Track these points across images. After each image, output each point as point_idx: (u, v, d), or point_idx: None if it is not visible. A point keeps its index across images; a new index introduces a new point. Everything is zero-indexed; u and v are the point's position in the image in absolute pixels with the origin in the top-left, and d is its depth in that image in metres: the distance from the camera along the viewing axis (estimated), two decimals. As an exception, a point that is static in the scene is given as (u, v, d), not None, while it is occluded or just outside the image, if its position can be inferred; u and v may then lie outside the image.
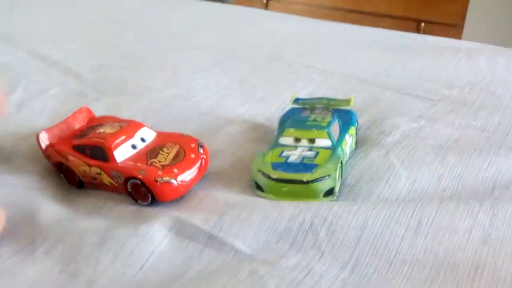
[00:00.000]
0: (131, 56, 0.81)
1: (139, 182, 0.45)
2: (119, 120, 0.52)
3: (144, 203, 0.46)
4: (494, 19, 2.06)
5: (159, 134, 0.50)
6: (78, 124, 0.53)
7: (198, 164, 0.47)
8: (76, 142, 0.49)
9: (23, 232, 0.42)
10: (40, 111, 0.63)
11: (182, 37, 0.91)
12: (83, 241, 0.40)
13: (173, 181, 0.45)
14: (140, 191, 0.45)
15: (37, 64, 0.78)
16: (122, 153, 0.47)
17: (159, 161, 0.46)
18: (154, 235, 0.40)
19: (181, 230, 0.41)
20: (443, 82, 0.70)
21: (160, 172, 0.45)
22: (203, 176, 0.48)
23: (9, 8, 1.08)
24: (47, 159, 0.51)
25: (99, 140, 0.48)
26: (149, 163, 0.46)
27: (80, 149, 0.48)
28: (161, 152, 0.47)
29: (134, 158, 0.47)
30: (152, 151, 0.48)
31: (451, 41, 0.91)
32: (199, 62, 0.79)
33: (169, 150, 0.48)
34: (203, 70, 0.75)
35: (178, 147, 0.48)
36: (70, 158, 0.49)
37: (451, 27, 2.09)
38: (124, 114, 0.61)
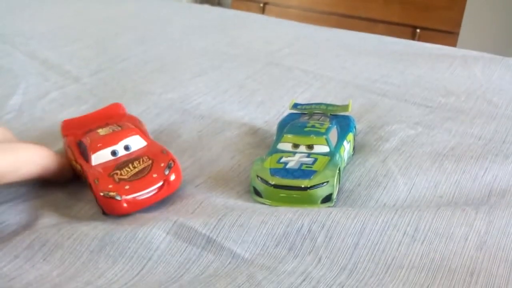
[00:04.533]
0: (129, 60, 0.82)
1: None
2: (123, 124, 0.52)
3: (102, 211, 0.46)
4: (489, 27, 2.08)
5: (149, 145, 0.50)
6: (104, 119, 0.54)
7: (156, 186, 0.45)
8: (80, 137, 0.50)
9: (21, 238, 0.42)
10: (40, 118, 0.63)
11: (181, 41, 0.91)
12: (82, 246, 0.40)
13: (118, 197, 0.43)
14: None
15: (36, 66, 0.78)
16: (100, 157, 0.47)
17: (121, 174, 0.45)
18: (152, 240, 0.41)
19: (179, 234, 0.41)
20: (440, 90, 0.71)
21: (110, 186, 0.44)
22: (170, 194, 0.46)
23: (7, 8, 1.08)
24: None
25: (87, 140, 0.49)
26: (111, 173, 0.46)
27: (79, 144, 0.50)
28: (130, 165, 0.46)
29: (105, 165, 0.47)
30: (124, 162, 0.47)
31: (448, 49, 0.92)
32: (198, 67, 0.79)
33: (138, 165, 0.46)
34: (202, 75, 0.76)
35: (149, 163, 0.47)
36: (68, 150, 0.50)
37: (447, 34, 2.11)
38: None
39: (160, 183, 0.45)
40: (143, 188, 0.45)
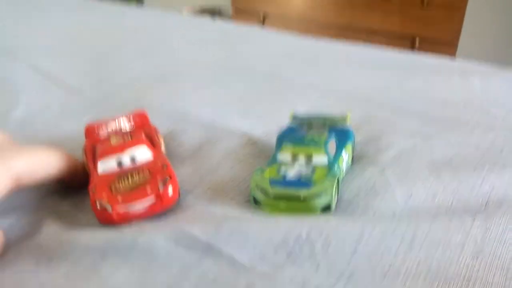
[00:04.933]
0: (130, 72, 0.82)
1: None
2: (134, 134, 0.53)
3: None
4: (488, 37, 2.08)
5: (155, 158, 0.50)
6: (126, 125, 0.55)
7: (149, 201, 0.45)
8: (97, 142, 0.52)
9: (27, 254, 0.42)
10: (42, 130, 0.64)
11: (182, 53, 0.92)
12: (86, 257, 0.41)
13: (109, 208, 0.44)
14: None
15: (38, 79, 0.79)
16: (105, 166, 0.48)
17: (118, 186, 0.46)
18: (152, 247, 0.41)
19: (179, 241, 0.42)
20: (438, 101, 0.71)
21: (105, 196, 0.44)
22: (165, 211, 0.46)
23: (10, 20, 1.09)
24: None
25: (99, 146, 0.50)
26: (110, 184, 0.46)
27: (94, 149, 0.51)
28: (129, 177, 0.47)
29: (108, 174, 0.47)
30: (124, 173, 0.47)
31: (446, 61, 0.92)
32: (199, 79, 0.80)
33: (136, 178, 0.46)
34: (203, 87, 0.76)
35: (148, 177, 0.47)
36: (83, 152, 0.51)
37: (446, 44, 2.12)
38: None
39: (153, 199, 0.45)
40: (134, 202, 0.45)
